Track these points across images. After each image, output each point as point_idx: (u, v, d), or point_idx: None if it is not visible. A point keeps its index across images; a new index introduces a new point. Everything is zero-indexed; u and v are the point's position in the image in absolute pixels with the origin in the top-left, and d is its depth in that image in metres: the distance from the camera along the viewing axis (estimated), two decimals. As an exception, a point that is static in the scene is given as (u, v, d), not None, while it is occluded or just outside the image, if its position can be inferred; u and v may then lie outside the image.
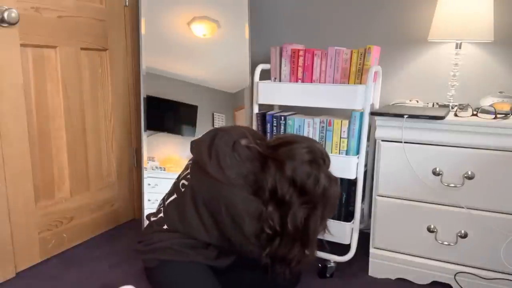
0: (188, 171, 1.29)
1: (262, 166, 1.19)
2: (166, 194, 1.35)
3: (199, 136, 1.30)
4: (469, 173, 1.41)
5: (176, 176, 1.38)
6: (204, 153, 1.21)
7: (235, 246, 1.24)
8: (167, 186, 1.37)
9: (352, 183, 1.65)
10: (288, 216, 1.16)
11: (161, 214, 1.30)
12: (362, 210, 1.71)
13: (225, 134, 1.24)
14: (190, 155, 1.32)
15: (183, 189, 1.27)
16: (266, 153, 1.21)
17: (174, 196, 1.29)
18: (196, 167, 1.27)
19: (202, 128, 1.89)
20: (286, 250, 1.19)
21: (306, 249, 1.22)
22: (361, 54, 1.53)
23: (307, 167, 1.17)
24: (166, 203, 1.31)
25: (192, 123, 1.90)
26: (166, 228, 1.27)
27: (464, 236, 1.45)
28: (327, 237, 1.61)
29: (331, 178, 1.21)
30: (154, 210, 1.39)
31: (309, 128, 1.61)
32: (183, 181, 1.29)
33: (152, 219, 1.33)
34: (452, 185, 1.43)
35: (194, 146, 1.27)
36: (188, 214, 1.23)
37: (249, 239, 1.18)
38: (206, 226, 1.22)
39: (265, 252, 1.20)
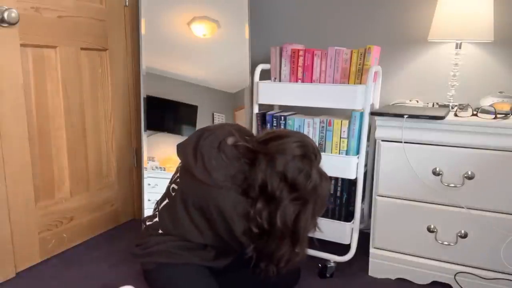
0: (178, 175, 1.29)
1: (252, 162, 1.17)
2: (160, 198, 1.35)
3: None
4: (469, 173, 1.41)
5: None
6: (190, 156, 1.20)
7: (229, 245, 1.24)
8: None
9: (352, 183, 1.65)
10: (278, 212, 1.14)
11: (156, 219, 1.30)
12: (362, 210, 1.71)
13: (210, 135, 1.22)
14: None
15: (173, 193, 1.27)
16: (256, 148, 1.19)
17: (166, 200, 1.30)
18: (184, 170, 1.26)
19: (202, 128, 1.89)
20: (274, 247, 1.18)
21: (296, 247, 1.20)
22: (361, 54, 1.53)
23: (299, 162, 1.15)
24: (160, 207, 1.31)
25: (192, 123, 1.90)
26: (161, 233, 1.28)
27: (464, 236, 1.45)
28: (327, 237, 1.63)
29: (322, 174, 1.20)
30: (150, 213, 1.39)
31: (309, 128, 1.60)
32: (173, 185, 1.29)
33: (148, 223, 1.33)
34: (452, 185, 1.43)
35: (180, 150, 1.26)
36: (180, 217, 1.23)
37: (240, 238, 1.18)
38: (199, 227, 1.22)
39: (251, 246, 1.19)
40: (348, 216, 1.68)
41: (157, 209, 1.33)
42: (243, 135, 1.26)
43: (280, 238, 1.17)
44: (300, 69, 1.63)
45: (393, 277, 1.60)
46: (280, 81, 1.69)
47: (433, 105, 1.69)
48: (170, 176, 1.89)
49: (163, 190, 1.38)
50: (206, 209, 1.18)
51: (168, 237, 1.26)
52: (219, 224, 1.18)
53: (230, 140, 1.22)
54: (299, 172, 1.15)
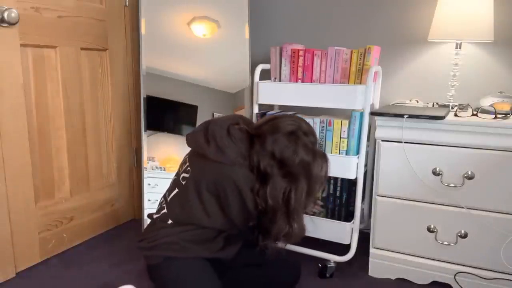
0: (187, 164, 1.31)
1: (250, 145, 1.24)
2: (166, 192, 1.36)
3: None
4: (469, 173, 1.41)
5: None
6: (201, 140, 1.25)
7: (238, 227, 1.28)
8: (167, 186, 1.38)
9: (352, 183, 1.65)
10: (268, 188, 1.19)
11: (164, 210, 1.31)
12: (362, 210, 1.71)
13: (217, 121, 1.29)
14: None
15: (184, 182, 1.29)
16: (252, 132, 1.26)
17: (176, 190, 1.31)
18: (194, 157, 1.30)
19: (202, 128, 1.89)
20: (270, 223, 1.23)
21: (291, 222, 1.24)
22: (361, 54, 1.53)
23: (286, 139, 1.21)
24: (169, 199, 1.32)
25: (192, 123, 1.90)
26: (171, 223, 1.28)
27: (464, 236, 1.45)
28: (327, 237, 1.63)
29: (316, 153, 1.24)
30: (155, 210, 1.39)
31: (309, 128, 1.60)
32: (183, 174, 1.31)
33: (155, 216, 1.34)
34: (452, 185, 1.43)
35: (190, 138, 1.31)
36: (191, 203, 1.26)
37: (253, 212, 1.22)
38: (209, 212, 1.25)
39: (250, 223, 1.26)
40: (348, 216, 1.68)
41: (164, 202, 1.34)
42: (247, 123, 1.33)
43: (274, 214, 1.22)
44: (300, 69, 1.63)
45: (393, 277, 1.60)
46: (280, 81, 1.69)
47: (433, 105, 1.69)
48: (170, 176, 1.90)
49: (164, 190, 1.39)
50: (221, 189, 1.22)
51: (178, 228, 1.27)
52: (233, 202, 1.22)
53: (236, 126, 1.28)
54: (286, 147, 1.21)
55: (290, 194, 1.21)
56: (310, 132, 1.26)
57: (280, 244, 1.29)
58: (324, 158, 1.27)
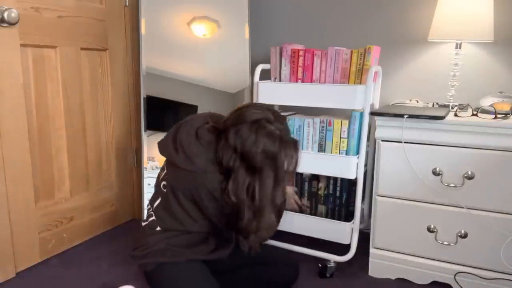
0: (165, 171, 1.31)
1: (217, 141, 1.19)
2: (152, 198, 1.36)
3: None
4: (469, 173, 1.41)
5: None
6: (170, 149, 1.23)
7: (218, 227, 1.27)
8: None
9: (352, 183, 1.65)
10: (230, 181, 1.14)
11: (152, 218, 1.31)
12: (362, 210, 1.71)
13: (186, 125, 1.25)
14: None
15: (164, 190, 1.29)
16: (219, 127, 1.21)
17: (159, 199, 1.31)
18: (169, 164, 1.29)
19: (202, 128, 1.88)
20: (237, 220, 1.18)
21: (260, 217, 1.18)
22: (361, 54, 1.53)
23: (247, 129, 1.14)
24: (154, 207, 1.32)
25: (192, 123, 1.90)
26: (159, 230, 1.28)
27: (464, 236, 1.45)
28: (327, 237, 1.63)
29: (282, 140, 1.15)
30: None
31: (309, 128, 1.60)
32: (163, 182, 1.30)
33: (144, 224, 1.35)
34: (452, 185, 1.43)
35: (161, 145, 1.29)
36: (174, 210, 1.25)
37: (231, 216, 1.20)
38: (193, 217, 1.25)
39: (221, 223, 1.23)
40: (348, 216, 1.68)
41: (151, 209, 1.34)
42: (215, 120, 1.27)
43: (240, 210, 1.17)
44: (300, 69, 1.63)
45: (393, 277, 1.60)
46: (280, 81, 1.69)
47: (433, 105, 1.69)
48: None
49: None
50: (197, 196, 1.20)
51: (167, 233, 1.27)
52: (212, 207, 1.20)
53: (205, 126, 1.24)
54: (247, 138, 1.13)
55: (255, 187, 1.15)
56: (277, 119, 1.17)
57: (253, 242, 1.22)
58: (294, 146, 1.19)
